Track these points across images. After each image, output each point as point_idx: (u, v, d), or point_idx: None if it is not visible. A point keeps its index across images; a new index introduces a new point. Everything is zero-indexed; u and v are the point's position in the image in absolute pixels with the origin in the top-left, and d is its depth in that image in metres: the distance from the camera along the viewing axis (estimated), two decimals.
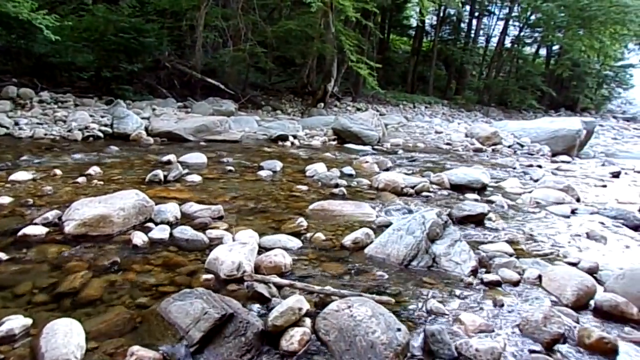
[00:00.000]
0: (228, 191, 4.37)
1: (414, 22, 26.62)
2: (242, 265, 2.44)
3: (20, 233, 2.84)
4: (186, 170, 4.94)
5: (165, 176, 4.58)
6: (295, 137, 8.83)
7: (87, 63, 10.93)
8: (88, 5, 11.29)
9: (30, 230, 2.88)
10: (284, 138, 8.52)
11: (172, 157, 5.67)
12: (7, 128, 6.93)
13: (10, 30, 9.90)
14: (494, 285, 2.59)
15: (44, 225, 2.99)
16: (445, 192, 5.01)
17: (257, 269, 2.54)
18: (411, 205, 4.29)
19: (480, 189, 5.20)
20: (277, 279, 2.39)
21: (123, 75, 11.02)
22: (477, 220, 3.81)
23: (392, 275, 2.65)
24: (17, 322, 1.85)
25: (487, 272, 2.77)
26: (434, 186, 5.14)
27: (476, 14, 26.25)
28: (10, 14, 7.31)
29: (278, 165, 5.75)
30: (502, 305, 2.35)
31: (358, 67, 13.07)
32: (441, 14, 24.68)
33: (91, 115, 8.16)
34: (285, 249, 2.84)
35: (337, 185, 4.86)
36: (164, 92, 11.93)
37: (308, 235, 3.21)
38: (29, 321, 1.89)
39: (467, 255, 2.84)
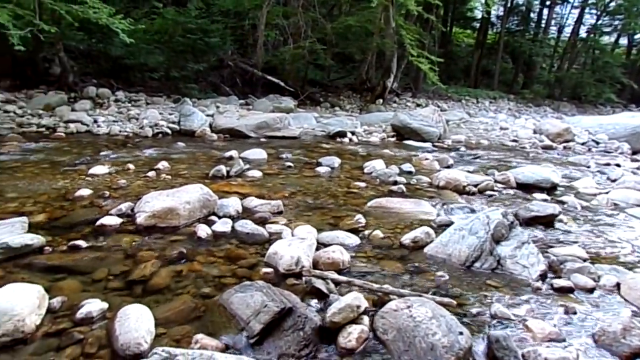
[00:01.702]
0: (287, 187, 4.44)
1: (478, 14, 25.55)
2: (301, 261, 2.47)
3: (97, 223, 3.06)
4: (247, 166, 5.09)
5: (227, 171, 4.74)
6: (353, 133, 8.80)
7: (157, 64, 11.58)
8: (159, 8, 11.92)
9: (106, 220, 3.10)
10: (342, 134, 8.51)
11: (234, 152, 5.85)
12: (88, 125, 7.50)
13: (91, 34, 10.72)
14: (565, 291, 2.43)
15: (118, 216, 3.20)
16: (511, 192, 4.77)
17: (315, 264, 2.56)
18: (474, 205, 4.13)
19: (550, 189, 4.89)
20: (335, 276, 2.40)
21: (190, 75, 11.56)
22: (547, 221, 3.59)
23: (454, 277, 2.56)
24: (95, 306, 2.00)
25: (558, 277, 2.60)
26: (499, 185, 4.91)
27: (548, 2, 24.65)
28: (91, 19, 7.88)
29: (336, 161, 5.76)
30: (575, 313, 2.19)
31: (419, 61, 12.77)
32: (509, 4, 23.47)
33: (160, 113, 8.64)
34: (343, 245, 2.84)
35: (395, 183, 4.78)
36: (227, 90, 12.36)
37: (366, 232, 3.19)
38: (105, 305, 2.03)
39: (536, 259, 2.69)
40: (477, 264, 2.70)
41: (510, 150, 8.33)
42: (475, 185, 4.69)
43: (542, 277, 2.57)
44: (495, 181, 4.96)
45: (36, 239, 2.62)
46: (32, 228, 2.87)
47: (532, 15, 26.05)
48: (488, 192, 4.61)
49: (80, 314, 1.96)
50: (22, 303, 1.85)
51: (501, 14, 24.38)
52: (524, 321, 2.08)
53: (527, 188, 4.87)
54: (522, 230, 2.99)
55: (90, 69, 11.17)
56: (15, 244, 2.50)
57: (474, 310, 2.19)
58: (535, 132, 10.48)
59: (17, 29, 6.78)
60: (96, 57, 11.57)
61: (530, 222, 3.55)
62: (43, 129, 7.09)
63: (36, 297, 1.94)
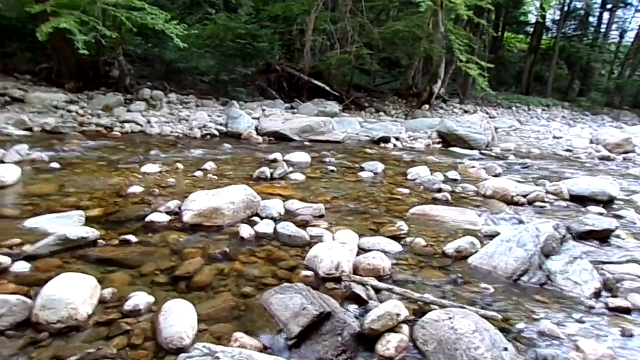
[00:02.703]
0: (329, 191, 4.45)
1: (532, 19, 24.59)
2: (341, 265, 2.46)
3: (147, 219, 3.20)
4: (291, 169, 5.14)
5: (271, 174, 4.82)
6: (397, 139, 8.71)
7: (208, 67, 11.98)
8: (212, 14, 12.33)
9: (155, 217, 3.23)
10: (387, 140, 8.44)
11: (278, 155, 5.94)
12: (142, 126, 7.86)
13: (148, 40, 11.26)
14: (621, 311, 2.28)
15: (167, 213, 3.32)
16: (563, 204, 4.54)
17: (356, 270, 2.55)
18: (523, 216, 3.96)
19: (607, 202, 4.61)
20: (376, 282, 2.37)
21: (238, 79, 11.88)
22: (602, 237, 3.38)
23: (499, 290, 2.47)
24: (142, 299, 2.08)
25: (614, 296, 2.45)
26: (551, 196, 4.69)
27: (609, 6, 23.39)
28: (149, 25, 8.29)
29: (379, 167, 5.71)
30: (632, 335, 2.05)
31: (468, 67, 12.45)
32: (566, 8, 22.46)
33: (209, 115, 8.91)
34: (385, 252, 2.81)
35: (440, 190, 4.68)
36: (274, 94, 12.58)
37: (408, 240, 3.14)
38: (151, 299, 2.11)
39: (589, 276, 2.54)
40: (525, 278, 2.59)
41: (563, 161, 7.95)
42: (525, 196, 4.50)
43: (597, 295, 2.43)
44: (547, 192, 4.74)
45: (91, 233, 2.76)
46: (88, 222, 3.04)
47: (591, 19, 24.79)
48: (538, 204, 4.41)
49: (128, 306, 2.04)
50: (77, 293, 1.96)
51: (557, 18, 23.39)
52: (575, 341, 1.96)
53: (582, 201, 4.62)
54: (575, 245, 2.84)
55: (146, 72, 11.72)
56: (73, 236, 2.65)
57: (521, 326, 2.10)
58: (591, 142, 9.95)
59: (83, 35, 7.23)
60: (152, 61, 12.14)
61: (584, 236, 3.36)
62: (101, 129, 7.48)
63: (89, 288, 2.05)
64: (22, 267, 2.35)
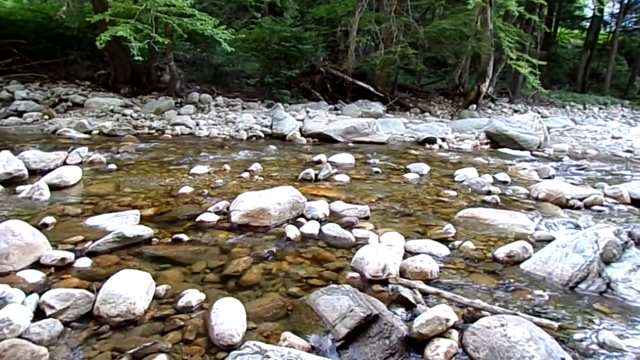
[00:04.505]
0: (374, 192, 4.42)
1: (588, 12, 23.31)
2: (388, 268, 2.44)
3: (197, 219, 3.31)
4: (335, 170, 5.15)
5: (316, 175, 4.85)
6: (443, 140, 8.50)
7: (253, 70, 12.25)
8: (257, 18, 12.58)
9: (205, 217, 3.33)
10: (432, 141, 8.27)
11: (322, 157, 5.97)
12: (191, 128, 8.14)
13: (196, 45, 11.65)
14: None
15: (216, 213, 3.43)
16: (624, 208, 4.28)
17: (402, 273, 2.52)
18: (579, 220, 3.77)
19: None
20: (423, 286, 2.33)
21: (282, 81, 12.04)
22: None
23: (554, 297, 2.36)
24: (194, 296, 2.16)
25: None
26: (609, 200, 4.43)
27: None
28: (198, 31, 8.58)
29: (425, 168, 5.60)
30: None
31: (518, 65, 11.97)
32: (625, 1, 21.12)
33: (254, 117, 9.09)
34: (432, 255, 2.76)
35: (489, 192, 4.53)
36: (317, 95, 12.64)
37: (456, 243, 3.06)
38: (202, 296, 2.19)
39: None
40: (582, 286, 2.46)
41: (623, 162, 7.48)
42: (581, 199, 4.28)
43: None
44: (605, 195, 4.48)
45: (146, 231, 2.89)
46: (143, 220, 3.18)
47: None
48: (596, 207, 4.18)
49: (181, 302, 2.12)
50: (135, 288, 2.06)
51: (616, 11, 22.03)
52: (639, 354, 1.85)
53: None
54: (638, 252, 2.66)
55: (195, 76, 12.14)
56: (129, 234, 2.78)
57: (578, 336, 2.00)
58: None
59: (137, 42, 7.60)
60: (200, 65, 12.56)
61: None
62: (153, 131, 7.82)
63: (145, 284, 2.14)
64: (84, 262, 2.50)
